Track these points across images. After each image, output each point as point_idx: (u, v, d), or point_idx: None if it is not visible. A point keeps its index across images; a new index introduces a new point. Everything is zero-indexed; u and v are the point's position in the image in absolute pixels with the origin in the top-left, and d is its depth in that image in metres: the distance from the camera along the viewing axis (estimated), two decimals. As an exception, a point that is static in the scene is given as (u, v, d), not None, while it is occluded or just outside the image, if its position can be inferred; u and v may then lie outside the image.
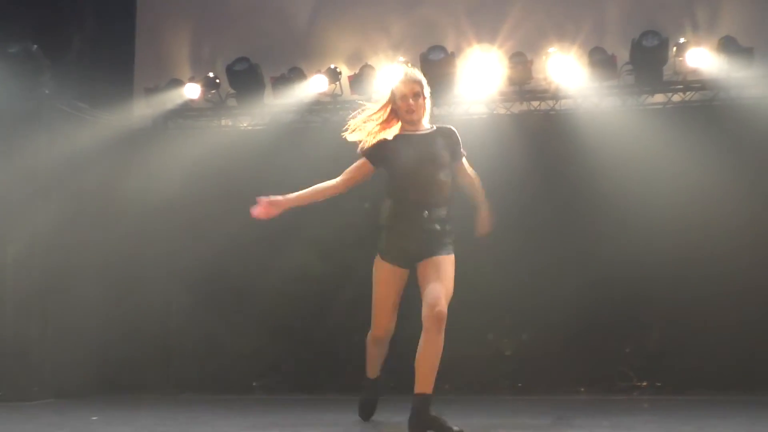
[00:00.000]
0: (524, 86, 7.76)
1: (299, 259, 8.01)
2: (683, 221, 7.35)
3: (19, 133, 7.35)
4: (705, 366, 7.29)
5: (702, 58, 7.48)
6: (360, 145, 4.72)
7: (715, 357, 7.27)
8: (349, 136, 4.78)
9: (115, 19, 8.70)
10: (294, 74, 8.15)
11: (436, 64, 7.48)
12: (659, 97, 7.86)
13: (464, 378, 7.19)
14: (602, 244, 7.57)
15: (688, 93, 7.82)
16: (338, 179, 4.80)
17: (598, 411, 6.15)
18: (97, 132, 8.02)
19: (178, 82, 8.37)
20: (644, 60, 7.60)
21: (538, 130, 7.71)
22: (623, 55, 7.68)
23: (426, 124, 4.76)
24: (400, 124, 4.69)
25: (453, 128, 4.77)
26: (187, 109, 8.50)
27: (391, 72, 4.64)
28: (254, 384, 8.08)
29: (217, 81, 8.41)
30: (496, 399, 7.01)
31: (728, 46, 7.41)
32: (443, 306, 4.21)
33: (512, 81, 7.65)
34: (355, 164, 4.74)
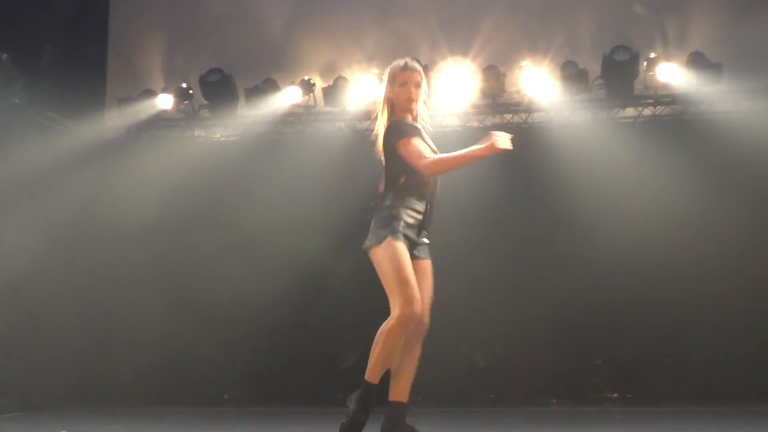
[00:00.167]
0: (497, 99, 7.83)
1: (273, 272, 7.98)
2: (654, 235, 7.44)
3: (-12, 142, 7.29)
4: (675, 378, 7.39)
5: (672, 73, 7.60)
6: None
7: (686, 370, 7.37)
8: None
9: (88, 29, 8.69)
10: (268, 85, 8.17)
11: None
12: (630, 111, 7.97)
13: (437, 390, 7.21)
14: (574, 257, 7.64)
15: (658, 107, 7.95)
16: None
17: (570, 422, 6.19)
18: (69, 142, 7.99)
19: (150, 93, 8.36)
20: (615, 74, 7.69)
21: (511, 142, 7.80)
22: (595, 69, 7.77)
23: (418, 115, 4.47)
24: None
25: (391, 119, 4.40)
26: (159, 119, 8.49)
27: (390, 67, 4.41)
28: (225, 396, 8.07)
29: (190, 92, 8.41)
30: (469, 411, 7.05)
31: (697, 61, 7.54)
32: (428, 318, 4.13)
33: (485, 94, 7.71)
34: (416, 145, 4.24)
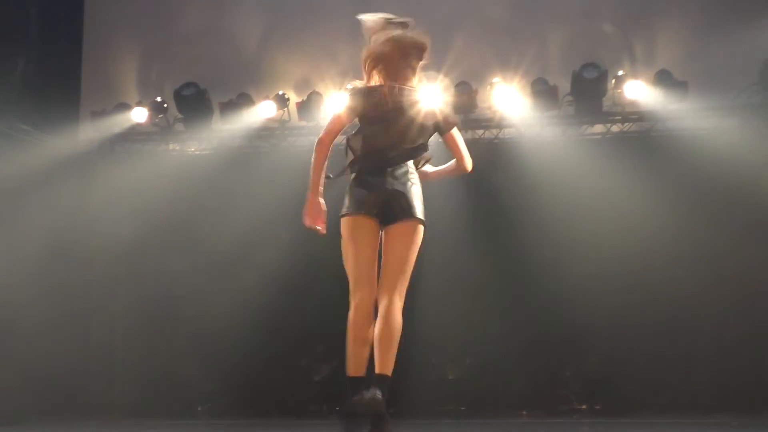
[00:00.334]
0: (469, 115, 7.86)
1: (246, 286, 7.97)
2: (622, 249, 7.51)
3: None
4: (642, 390, 7.44)
5: (639, 91, 7.69)
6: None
7: (652, 382, 7.43)
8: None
9: (62, 42, 8.64)
10: (242, 100, 8.18)
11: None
12: (599, 128, 8.06)
13: (409, 401, 7.23)
14: (543, 270, 7.69)
15: (626, 124, 8.04)
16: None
17: None
18: (43, 155, 7.93)
19: (125, 106, 8.33)
20: (584, 91, 7.77)
21: (482, 157, 7.81)
22: (564, 86, 7.84)
23: None
24: None
25: None
26: (134, 132, 8.47)
27: None
28: (199, 408, 8.04)
29: (165, 105, 8.39)
30: (440, 423, 7.09)
31: (664, 79, 7.64)
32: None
33: (457, 110, 7.66)
34: None
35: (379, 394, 3.57)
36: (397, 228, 3.88)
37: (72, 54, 8.79)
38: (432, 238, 7.80)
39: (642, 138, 8.01)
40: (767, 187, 7.48)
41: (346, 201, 3.95)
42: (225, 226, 8.17)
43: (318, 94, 8.09)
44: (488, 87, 7.85)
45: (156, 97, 8.44)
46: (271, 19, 8.78)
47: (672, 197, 7.59)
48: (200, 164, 8.40)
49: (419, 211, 3.89)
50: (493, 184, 7.73)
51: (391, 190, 3.88)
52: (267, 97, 8.16)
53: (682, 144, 7.68)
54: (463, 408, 7.58)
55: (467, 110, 7.79)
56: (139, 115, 8.27)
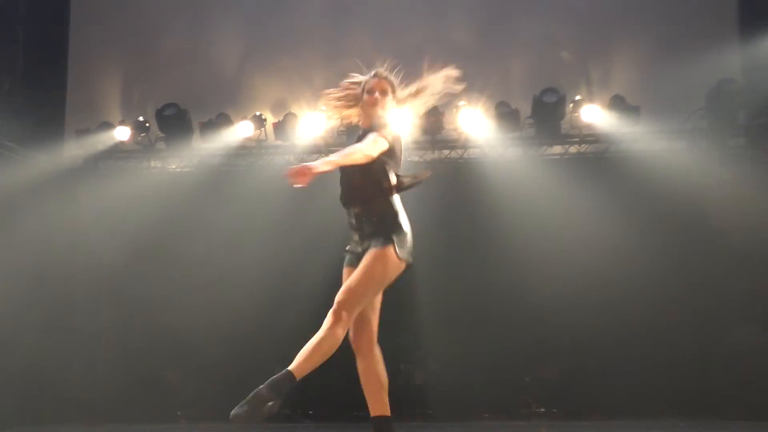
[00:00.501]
0: (436, 136, 8.04)
1: (222, 297, 8.00)
2: (579, 262, 7.64)
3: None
4: (595, 395, 7.57)
5: (595, 114, 7.83)
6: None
7: (605, 388, 7.54)
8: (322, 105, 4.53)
9: (47, 62, 8.62)
10: (221, 120, 8.23)
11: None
12: (557, 149, 8.17)
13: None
14: (504, 283, 7.82)
15: (583, 145, 8.18)
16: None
17: None
18: (28, 171, 7.95)
19: (108, 125, 8.36)
20: (544, 114, 7.92)
21: (449, 175, 7.99)
22: (525, 109, 7.99)
23: (373, 123, 4.34)
24: (356, 111, 4.48)
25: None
26: (117, 150, 8.47)
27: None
28: (178, 413, 8.04)
29: (147, 125, 8.41)
30: (408, 425, 7.14)
31: (618, 103, 7.80)
32: (337, 303, 3.94)
33: (425, 131, 7.83)
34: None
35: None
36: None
37: (57, 74, 8.75)
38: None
39: (597, 159, 8.09)
40: (714, 205, 7.61)
41: (409, 243, 4.13)
42: (203, 240, 8.19)
43: (293, 115, 8.16)
44: (454, 110, 7.96)
45: (138, 117, 8.44)
46: (249, 43, 8.81)
47: (626, 214, 7.69)
48: (180, 181, 8.40)
49: (385, 239, 4.11)
50: (458, 200, 7.90)
51: None
52: (245, 118, 8.22)
53: (635, 165, 7.79)
54: (430, 411, 7.71)
55: (435, 131, 7.96)
56: (122, 133, 8.29)
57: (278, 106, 8.53)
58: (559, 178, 7.77)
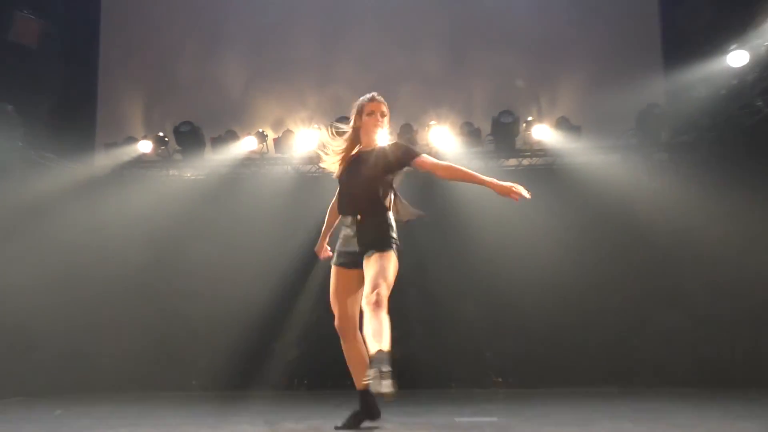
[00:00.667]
0: None
1: (230, 286, 8.49)
2: (532, 257, 8.27)
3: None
4: (546, 367, 8.18)
5: (544, 133, 8.40)
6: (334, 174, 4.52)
7: (554, 361, 8.16)
8: (323, 164, 4.62)
9: (80, 85, 9.05)
10: (229, 135, 8.73)
11: (341, 131, 7.76)
12: (513, 161, 8.69)
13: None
14: (472, 275, 8.38)
15: (534, 158, 8.74)
16: (331, 204, 4.50)
17: (465, 400, 6.91)
18: (64, 178, 8.44)
19: (133, 139, 8.87)
20: (501, 132, 8.49)
21: (422, 186, 8.28)
22: (486, 128, 8.54)
23: (377, 143, 4.43)
24: (358, 147, 4.48)
25: (395, 141, 4.47)
26: (140, 161, 8.97)
27: (358, 101, 4.48)
28: (193, 382, 8.58)
29: (166, 139, 8.89)
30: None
31: (563, 124, 8.41)
32: (377, 292, 4.03)
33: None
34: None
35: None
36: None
37: (89, 96, 9.24)
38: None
39: (546, 170, 8.63)
40: (642, 209, 8.19)
41: (397, 239, 4.28)
42: (214, 237, 8.67)
43: (290, 131, 8.68)
44: (426, 128, 8.52)
45: (159, 132, 8.94)
46: (253, 70, 9.24)
47: (569, 216, 8.33)
48: (194, 187, 8.90)
49: (377, 245, 4.32)
50: (428, 205, 8.04)
51: None
52: (249, 134, 8.73)
53: (576, 175, 8.38)
54: (402, 380, 8.23)
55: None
56: (145, 146, 8.81)
57: (277, 124, 9.01)
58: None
